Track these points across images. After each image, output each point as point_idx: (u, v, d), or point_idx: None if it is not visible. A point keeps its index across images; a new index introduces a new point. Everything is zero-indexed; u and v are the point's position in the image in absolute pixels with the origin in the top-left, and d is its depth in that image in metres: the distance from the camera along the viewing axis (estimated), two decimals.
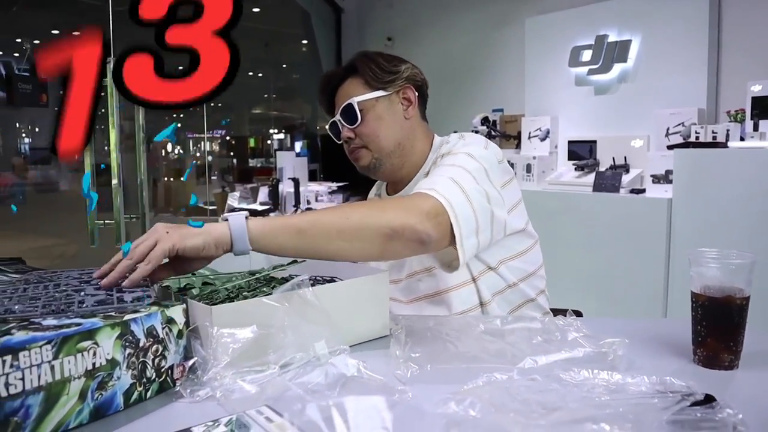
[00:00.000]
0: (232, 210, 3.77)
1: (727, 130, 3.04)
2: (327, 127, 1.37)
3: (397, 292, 1.33)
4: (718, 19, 3.38)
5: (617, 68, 3.77)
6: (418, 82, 1.33)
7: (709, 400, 0.64)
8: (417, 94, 1.33)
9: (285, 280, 1.03)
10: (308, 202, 3.96)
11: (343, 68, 1.34)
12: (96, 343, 0.69)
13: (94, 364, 0.69)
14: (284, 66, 6.60)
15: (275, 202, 3.71)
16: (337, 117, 1.30)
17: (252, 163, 5.89)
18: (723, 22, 3.38)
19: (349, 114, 1.28)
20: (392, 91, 1.29)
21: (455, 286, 1.24)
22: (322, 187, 4.42)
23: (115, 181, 1.92)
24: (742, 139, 3.01)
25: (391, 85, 1.29)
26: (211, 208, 3.91)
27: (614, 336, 0.89)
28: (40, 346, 0.64)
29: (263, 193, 3.90)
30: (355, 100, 1.27)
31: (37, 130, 3.29)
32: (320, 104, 1.39)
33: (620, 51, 3.72)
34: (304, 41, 6.12)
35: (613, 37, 3.77)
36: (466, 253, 1.06)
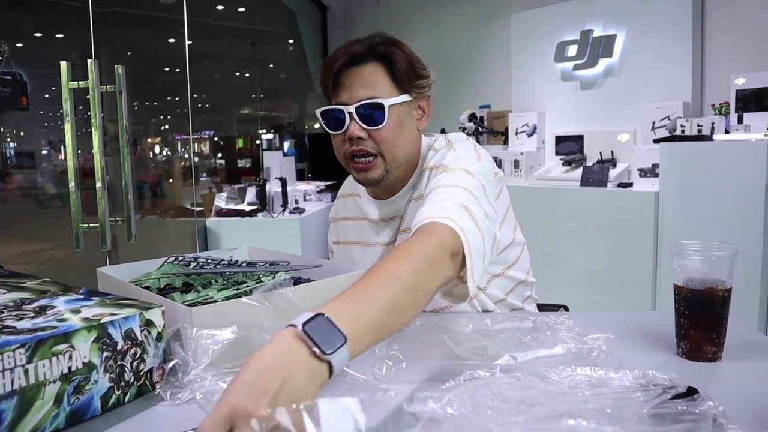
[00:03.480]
0: (219, 211, 3.73)
1: (712, 123, 3.06)
2: (320, 111, 1.12)
3: None
4: (701, 13, 3.40)
5: (603, 63, 3.78)
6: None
7: (691, 392, 0.64)
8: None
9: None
10: (296, 202, 3.95)
11: (368, 49, 1.10)
12: (72, 347, 0.68)
13: (70, 367, 0.68)
14: (271, 65, 6.56)
15: (263, 202, 3.69)
16: (351, 109, 1.08)
17: (240, 163, 5.85)
18: (706, 15, 3.40)
19: (372, 112, 1.09)
20: (414, 97, 1.14)
21: (445, 307, 1.15)
22: (310, 186, 4.42)
23: (99, 184, 1.89)
24: (726, 131, 3.03)
25: (417, 91, 1.14)
26: (198, 209, 3.88)
27: (600, 330, 0.89)
28: (14, 350, 0.63)
29: (251, 193, 3.88)
30: (387, 102, 1.08)
31: (22, 133, 3.24)
32: (321, 82, 1.13)
33: (605, 46, 3.73)
34: (290, 40, 6.09)
35: (598, 32, 3.78)
36: (475, 285, 0.92)
